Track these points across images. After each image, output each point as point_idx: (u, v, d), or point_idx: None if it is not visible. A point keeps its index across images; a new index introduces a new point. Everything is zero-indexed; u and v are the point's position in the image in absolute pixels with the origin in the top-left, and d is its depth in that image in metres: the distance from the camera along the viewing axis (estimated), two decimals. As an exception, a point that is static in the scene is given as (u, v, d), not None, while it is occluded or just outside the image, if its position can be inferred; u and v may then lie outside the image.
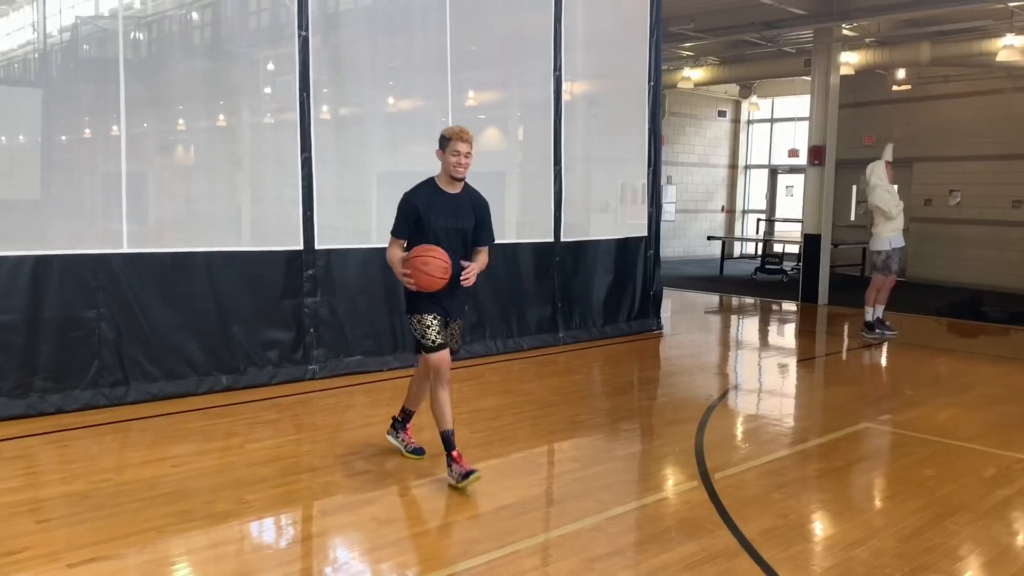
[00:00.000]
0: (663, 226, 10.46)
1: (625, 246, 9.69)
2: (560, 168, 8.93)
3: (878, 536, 4.08)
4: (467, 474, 4.48)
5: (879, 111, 16.15)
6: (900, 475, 5.24)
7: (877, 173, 9.67)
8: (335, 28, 7.62)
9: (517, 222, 9.28)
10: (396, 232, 4.67)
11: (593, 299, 9.36)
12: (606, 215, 10.01)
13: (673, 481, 5.04)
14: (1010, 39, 12.09)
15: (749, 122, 20.84)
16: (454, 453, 4.56)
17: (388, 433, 5.20)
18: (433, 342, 4.56)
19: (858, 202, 16.74)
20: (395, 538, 3.93)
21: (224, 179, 7.20)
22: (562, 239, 8.98)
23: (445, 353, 4.62)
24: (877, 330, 9.87)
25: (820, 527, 4.34)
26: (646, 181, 9.94)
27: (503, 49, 8.85)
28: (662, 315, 10.27)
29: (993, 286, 14.13)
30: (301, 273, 7.00)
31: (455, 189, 4.65)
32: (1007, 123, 14.48)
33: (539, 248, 8.81)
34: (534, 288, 8.75)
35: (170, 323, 6.36)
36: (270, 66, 7.55)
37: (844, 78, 13.25)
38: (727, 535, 4.02)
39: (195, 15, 7.47)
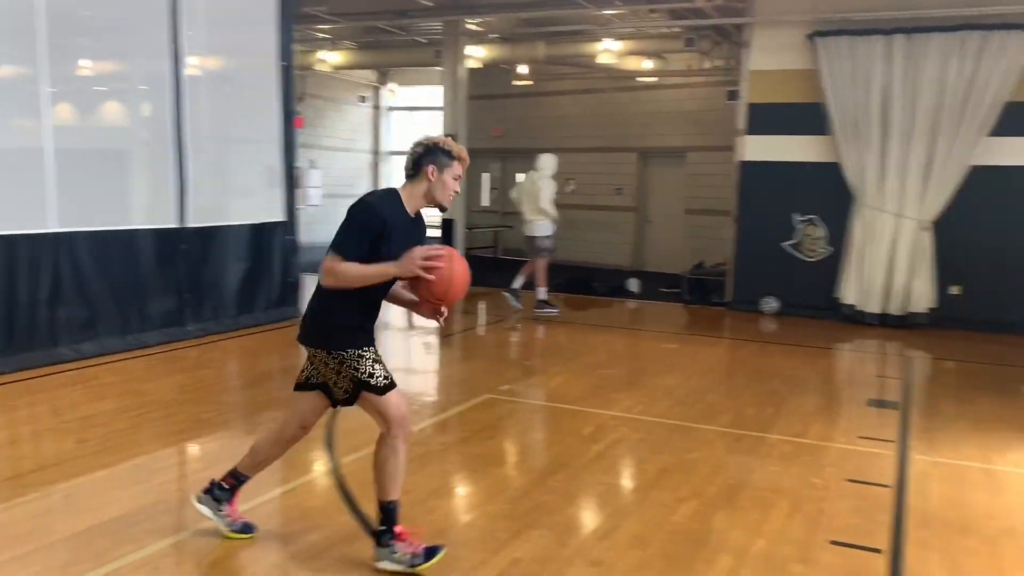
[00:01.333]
0: (311, 211, 10.27)
1: (260, 232, 9.32)
2: (183, 148, 8.33)
3: (492, 501, 4.38)
4: (431, 551, 3.59)
5: (504, 104, 17.37)
6: (515, 440, 5.70)
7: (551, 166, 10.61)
8: None
9: (141, 206, 8.48)
10: (349, 251, 3.48)
11: (226, 288, 8.89)
12: (244, 200, 9.53)
13: (302, 471, 4.95)
14: (608, 43, 13.66)
15: (389, 109, 21.25)
16: (397, 529, 3.64)
17: (200, 500, 3.81)
18: (387, 378, 3.58)
19: (492, 188, 17.91)
20: (-33, 575, 3.39)
21: None
22: (188, 224, 8.40)
23: (403, 394, 3.69)
24: (548, 308, 10.56)
25: (440, 499, 4.54)
26: (279, 163, 9.66)
27: (120, 16, 8.01)
28: (303, 302, 10.09)
29: (601, 264, 15.94)
30: None
31: (413, 212, 3.63)
32: (609, 119, 16.36)
33: (161, 234, 8.15)
34: (157, 278, 8.09)
35: None
36: None
37: (473, 71, 14.03)
38: (349, 520, 4.05)
39: None
